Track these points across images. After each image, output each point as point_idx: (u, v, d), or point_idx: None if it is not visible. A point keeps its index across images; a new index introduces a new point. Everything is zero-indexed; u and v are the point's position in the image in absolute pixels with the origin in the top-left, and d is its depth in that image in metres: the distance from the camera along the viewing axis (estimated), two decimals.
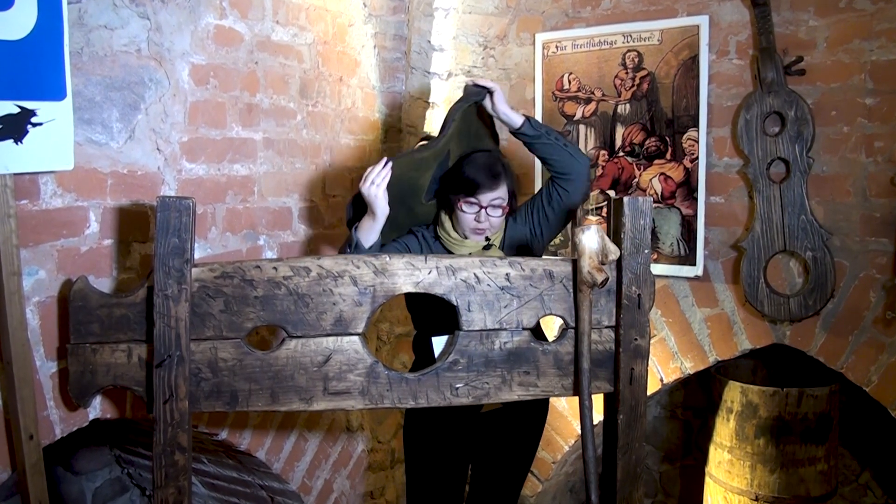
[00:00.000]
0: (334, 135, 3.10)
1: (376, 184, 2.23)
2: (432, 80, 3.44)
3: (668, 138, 3.09)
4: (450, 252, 2.47)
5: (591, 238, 1.94)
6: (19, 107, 1.74)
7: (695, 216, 3.04)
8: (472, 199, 2.38)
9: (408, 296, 2.48)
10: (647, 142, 3.13)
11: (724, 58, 2.97)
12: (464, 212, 2.40)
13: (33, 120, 1.77)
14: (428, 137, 2.69)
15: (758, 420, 3.22)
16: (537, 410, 2.67)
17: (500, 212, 2.42)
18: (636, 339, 2.03)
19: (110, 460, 3.65)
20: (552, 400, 3.41)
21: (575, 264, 1.99)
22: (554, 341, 2.07)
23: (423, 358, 2.43)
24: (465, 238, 2.46)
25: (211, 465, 3.12)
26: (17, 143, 1.75)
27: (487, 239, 2.46)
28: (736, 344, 3.03)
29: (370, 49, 3.35)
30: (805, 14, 2.80)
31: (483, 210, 2.39)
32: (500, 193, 2.40)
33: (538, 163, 3.37)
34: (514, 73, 3.46)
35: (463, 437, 2.63)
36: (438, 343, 2.13)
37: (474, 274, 2.01)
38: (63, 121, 1.84)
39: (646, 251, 2.00)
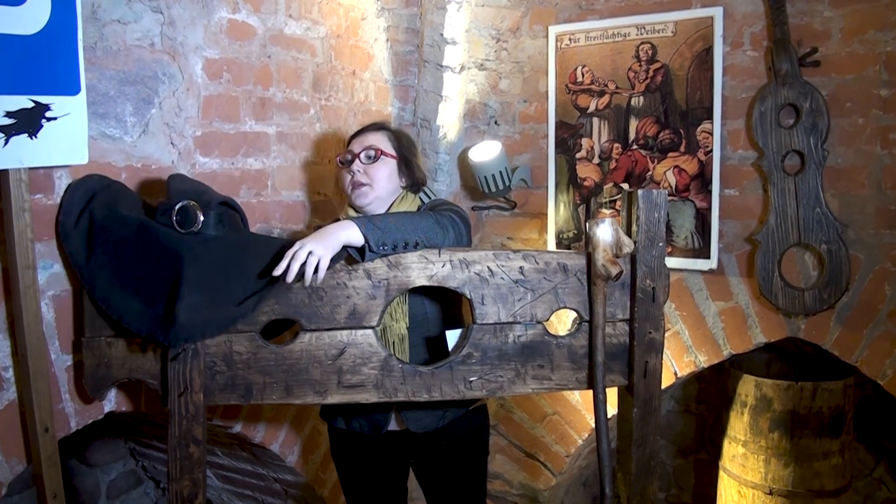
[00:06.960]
0: (347, 129, 3.10)
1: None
2: (445, 74, 3.43)
3: (682, 131, 3.07)
4: None
5: (606, 231, 1.94)
6: (34, 101, 1.75)
7: (709, 209, 3.03)
8: (347, 152, 2.33)
9: None
10: (661, 134, 3.12)
11: (738, 49, 2.95)
12: (341, 170, 2.33)
13: (48, 114, 1.78)
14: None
15: (772, 414, 3.21)
16: (477, 434, 2.45)
17: (375, 160, 2.27)
18: (650, 333, 2.02)
19: (125, 453, 3.68)
20: (565, 393, 3.42)
21: (589, 257, 1.99)
22: (568, 334, 2.06)
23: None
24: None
25: (225, 458, 3.13)
26: (31, 138, 1.76)
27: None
28: (750, 337, 3.02)
29: (383, 42, 3.35)
30: (820, 5, 2.78)
31: (357, 158, 2.28)
32: (373, 141, 2.31)
33: (551, 157, 3.36)
34: (527, 66, 3.45)
35: (395, 462, 2.43)
36: (452, 336, 2.12)
37: (488, 267, 2.00)
38: (77, 115, 1.85)
39: (660, 244, 1.99)
